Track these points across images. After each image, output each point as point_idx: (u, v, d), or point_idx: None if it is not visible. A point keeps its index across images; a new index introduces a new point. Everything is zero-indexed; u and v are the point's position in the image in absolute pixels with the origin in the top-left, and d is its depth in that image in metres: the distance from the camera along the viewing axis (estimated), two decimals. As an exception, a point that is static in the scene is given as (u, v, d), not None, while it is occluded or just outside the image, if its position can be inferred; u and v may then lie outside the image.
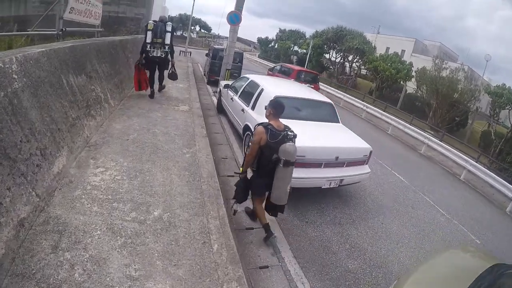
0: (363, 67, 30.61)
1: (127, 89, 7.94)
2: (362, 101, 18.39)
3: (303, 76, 15.62)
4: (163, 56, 7.58)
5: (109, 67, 6.71)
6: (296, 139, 3.49)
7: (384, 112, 16.06)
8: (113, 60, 7.26)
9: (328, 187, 4.93)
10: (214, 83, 14.06)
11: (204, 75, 17.04)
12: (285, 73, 15.94)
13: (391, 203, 6.23)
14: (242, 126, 6.51)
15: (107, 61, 6.67)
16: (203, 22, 67.10)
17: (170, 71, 8.26)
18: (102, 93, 5.88)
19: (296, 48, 43.59)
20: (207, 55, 16.55)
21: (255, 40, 60.42)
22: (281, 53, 42.59)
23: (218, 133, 7.57)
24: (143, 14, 14.35)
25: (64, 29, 6.21)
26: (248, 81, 7.45)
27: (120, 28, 13.38)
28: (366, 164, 5.57)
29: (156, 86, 8.33)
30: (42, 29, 5.93)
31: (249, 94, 6.84)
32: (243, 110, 6.69)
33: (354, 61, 30.97)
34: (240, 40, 74.94)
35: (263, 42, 52.99)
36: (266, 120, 3.54)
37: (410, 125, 14.28)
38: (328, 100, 6.70)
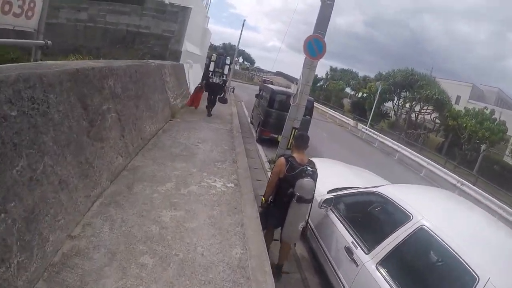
0: (437, 120, 24.81)
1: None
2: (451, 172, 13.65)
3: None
4: (220, 83, 8.94)
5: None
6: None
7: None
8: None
9: None
10: (268, 142, 9.10)
11: (251, 123, 12.34)
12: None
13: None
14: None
15: None
16: (247, 54, 64.74)
17: (222, 95, 9.34)
18: None
19: (348, 89, 38.66)
20: (258, 96, 11.76)
21: (297, 76, 56.48)
22: (332, 94, 37.53)
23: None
24: (173, 33, 9.90)
25: None
26: (379, 196, 3.46)
27: (138, 47, 8.97)
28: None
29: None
30: None
31: (373, 224, 3.45)
32: (350, 252, 3.16)
33: (427, 112, 25.26)
34: (281, 74, 71.72)
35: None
36: None
37: None
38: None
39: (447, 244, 2.47)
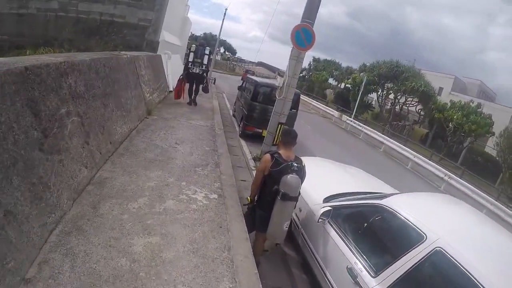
0: (422, 112, 24.88)
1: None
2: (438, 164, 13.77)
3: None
4: (201, 73, 9.09)
5: None
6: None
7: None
8: None
9: None
10: (252, 137, 8.68)
11: (234, 116, 11.81)
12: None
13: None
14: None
15: None
16: (228, 44, 63.43)
17: (204, 85, 9.57)
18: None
19: (331, 80, 38.39)
20: (240, 88, 11.18)
21: (280, 67, 55.78)
22: (315, 85, 37.11)
23: None
24: (150, 21, 9.15)
25: None
26: (385, 210, 2.98)
27: (113, 38, 8.24)
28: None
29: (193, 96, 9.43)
30: None
31: (379, 242, 3.04)
32: (354, 274, 2.77)
33: (411, 104, 25.29)
34: (262, 65, 70.79)
35: (293, 71, 47.94)
36: None
37: None
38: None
39: (467, 270, 2.12)
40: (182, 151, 4.83)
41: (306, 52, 7.20)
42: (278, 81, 7.64)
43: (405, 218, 2.72)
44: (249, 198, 3.40)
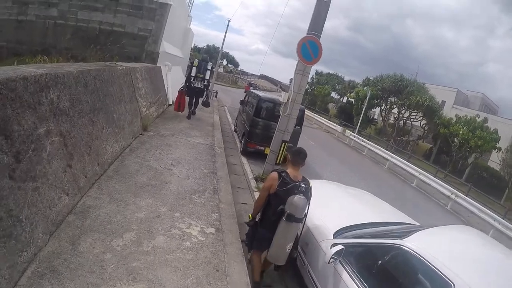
0: (426, 127, 24.51)
1: None
2: (443, 182, 13.36)
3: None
4: (202, 87, 9.28)
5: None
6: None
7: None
8: None
9: None
10: (254, 155, 8.29)
11: (235, 131, 11.39)
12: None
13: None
14: None
15: None
16: (231, 56, 63.60)
17: (205, 99, 9.75)
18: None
19: (333, 94, 38.17)
20: (242, 102, 10.82)
21: (282, 80, 55.77)
22: (318, 98, 36.83)
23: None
24: (150, 32, 8.87)
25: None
26: (406, 253, 2.54)
27: (111, 48, 7.97)
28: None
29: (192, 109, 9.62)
30: None
31: (396, 286, 2.64)
32: None
33: (415, 119, 24.94)
34: (265, 78, 70.85)
35: (296, 84, 47.78)
36: None
37: None
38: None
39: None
40: (178, 174, 4.41)
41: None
42: (282, 97, 7.28)
43: (429, 262, 2.35)
44: (250, 215, 3.27)
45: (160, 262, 2.53)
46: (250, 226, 3.21)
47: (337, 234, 3.33)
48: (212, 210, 3.66)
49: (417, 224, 3.92)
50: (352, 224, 3.57)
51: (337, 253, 2.84)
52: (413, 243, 2.57)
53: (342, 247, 2.87)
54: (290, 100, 6.63)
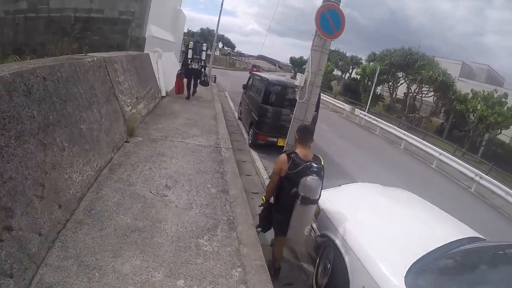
0: (440, 102, 23.26)
1: None
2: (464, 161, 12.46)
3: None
4: (199, 68, 9.97)
5: None
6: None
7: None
8: None
9: None
10: (265, 148, 7.30)
11: (239, 119, 10.35)
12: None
13: None
14: None
15: None
16: (226, 38, 61.71)
17: (203, 79, 10.40)
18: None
19: (336, 71, 36.64)
20: (246, 87, 9.62)
21: (280, 60, 54.32)
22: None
23: None
24: (134, 14, 7.53)
25: None
26: None
27: (90, 38, 6.75)
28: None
29: (191, 90, 10.23)
30: None
31: None
32: None
33: (427, 95, 23.63)
34: (263, 58, 68.92)
35: (297, 63, 46.17)
36: None
37: None
38: None
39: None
40: (176, 203, 3.21)
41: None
42: (298, 80, 6.03)
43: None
44: (263, 198, 3.21)
45: None
46: (264, 209, 3.11)
47: (412, 274, 2.23)
48: (231, 263, 2.48)
49: (481, 236, 3.15)
50: (421, 252, 2.55)
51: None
52: None
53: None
54: (308, 83, 5.37)
